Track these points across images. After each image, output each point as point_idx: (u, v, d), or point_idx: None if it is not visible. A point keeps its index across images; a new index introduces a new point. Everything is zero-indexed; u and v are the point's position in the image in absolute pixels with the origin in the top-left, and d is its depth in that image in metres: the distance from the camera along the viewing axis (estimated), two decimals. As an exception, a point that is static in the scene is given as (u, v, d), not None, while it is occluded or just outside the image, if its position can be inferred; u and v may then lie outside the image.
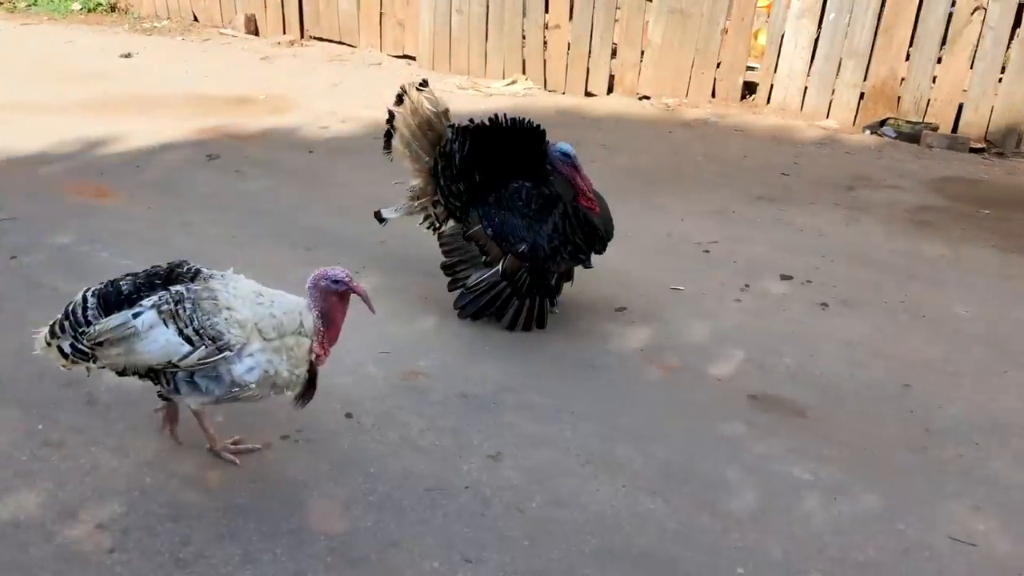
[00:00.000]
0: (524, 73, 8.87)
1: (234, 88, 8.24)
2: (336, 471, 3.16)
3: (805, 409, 3.66)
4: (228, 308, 2.85)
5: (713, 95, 8.30)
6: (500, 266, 4.04)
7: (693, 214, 5.65)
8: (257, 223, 5.24)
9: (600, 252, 4.09)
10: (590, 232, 3.97)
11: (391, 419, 3.43)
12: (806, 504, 3.11)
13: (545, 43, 8.73)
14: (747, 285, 4.68)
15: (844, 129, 7.67)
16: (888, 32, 7.58)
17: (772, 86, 8.10)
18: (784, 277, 4.77)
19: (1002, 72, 7.36)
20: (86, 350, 2.87)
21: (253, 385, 2.90)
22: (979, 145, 7.33)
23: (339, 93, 8.23)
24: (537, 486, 3.13)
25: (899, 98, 7.68)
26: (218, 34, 10.44)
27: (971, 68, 7.42)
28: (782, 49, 7.99)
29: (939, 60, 7.54)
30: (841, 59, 7.78)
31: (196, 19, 10.93)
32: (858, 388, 3.82)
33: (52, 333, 2.92)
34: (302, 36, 10.20)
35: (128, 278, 2.94)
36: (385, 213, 4.36)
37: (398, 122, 4.17)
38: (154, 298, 2.85)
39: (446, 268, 4.18)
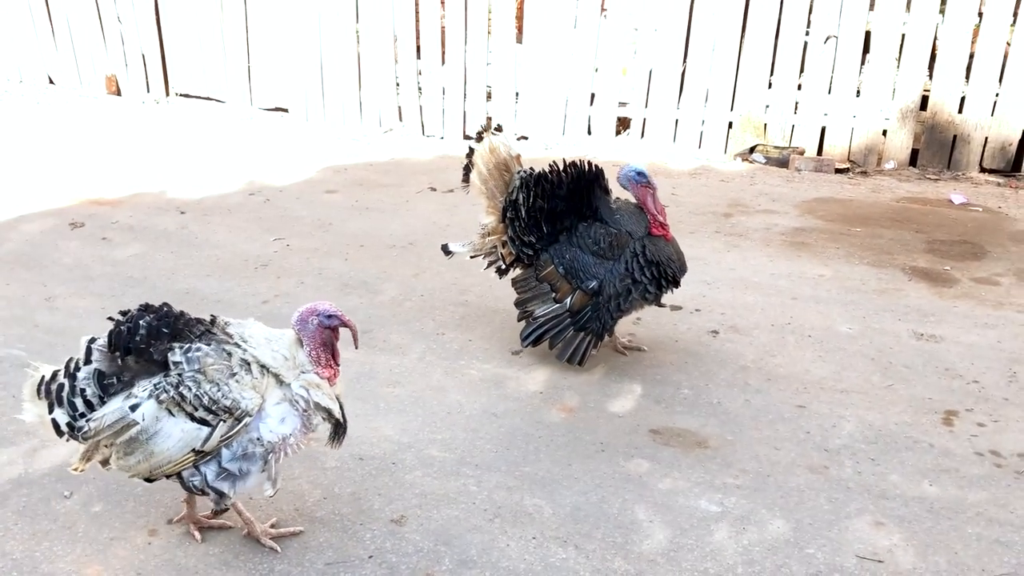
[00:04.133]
0: (401, 120, 8.82)
1: (98, 154, 7.86)
2: (228, 553, 2.96)
3: (706, 439, 3.66)
4: (242, 364, 2.70)
5: (589, 132, 8.44)
6: (568, 301, 4.11)
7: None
8: (128, 292, 4.95)
9: (675, 288, 4.16)
10: (661, 270, 4.05)
11: (285, 491, 3.24)
12: (716, 537, 3.08)
13: (420, 90, 8.71)
14: (638, 319, 4.70)
15: (716, 158, 7.91)
16: (749, 61, 7.89)
17: (644, 120, 8.29)
18: (674, 308, 4.81)
19: (858, 95, 7.76)
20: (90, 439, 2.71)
21: (291, 435, 2.76)
22: (843, 166, 7.68)
23: (209, 150, 7.97)
24: (445, 548, 3.01)
25: (765, 125, 7.99)
26: (77, 97, 9.98)
27: (829, 93, 7.80)
28: (651, 84, 8.20)
29: (799, 87, 7.89)
30: (708, 91, 8.05)
31: (51, 82, 10.43)
32: (755, 413, 3.86)
33: (47, 392, 2.71)
34: (167, 94, 9.85)
35: (143, 318, 2.72)
36: (452, 247, 4.42)
37: (476, 158, 4.24)
38: (148, 386, 2.66)
39: (519, 304, 4.27)
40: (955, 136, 7.58)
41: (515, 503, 3.24)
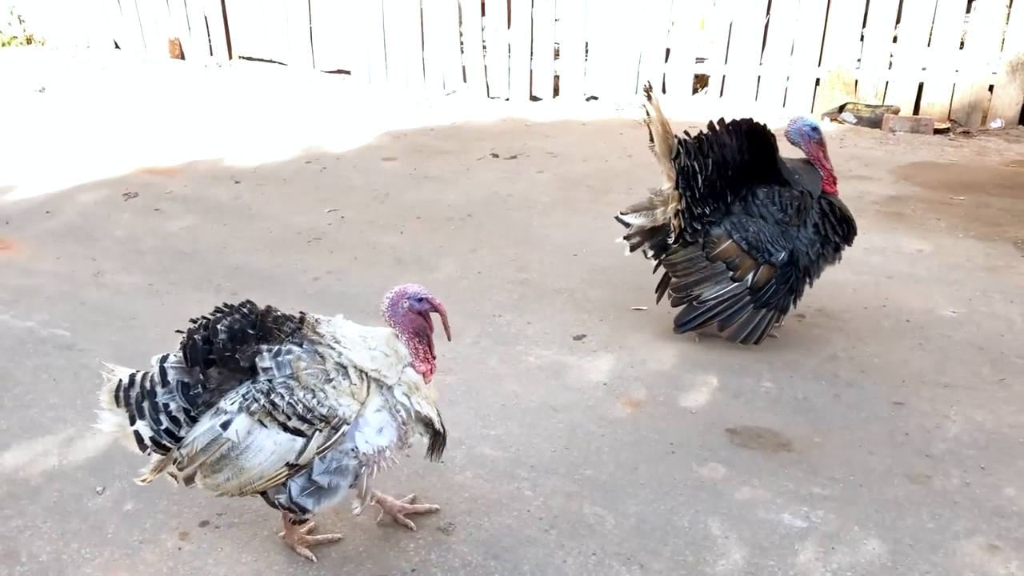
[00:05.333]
0: (465, 81, 8.46)
1: (158, 120, 7.73)
2: (260, 561, 2.72)
3: (790, 441, 3.27)
4: (337, 368, 2.45)
5: (664, 90, 7.94)
6: (750, 278, 3.77)
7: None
8: (176, 268, 4.76)
9: (851, 244, 3.86)
10: (851, 226, 3.80)
11: (322, 494, 2.98)
12: (801, 558, 2.71)
13: (485, 48, 8.32)
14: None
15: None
16: (839, 12, 7.26)
17: (724, 77, 7.75)
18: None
19: (961, 47, 7.08)
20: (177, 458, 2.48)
21: (387, 448, 2.51)
22: (943, 126, 7.05)
23: (268, 116, 7.76)
24: (495, 562, 2.71)
25: (856, 81, 7.38)
26: (141, 62, 9.89)
27: (928, 46, 7.14)
28: (731, 38, 7.65)
29: (895, 40, 7.24)
30: (793, 44, 7.46)
31: (117, 46, 10.37)
32: (846, 411, 3.44)
33: (127, 401, 2.46)
34: (230, 57, 9.68)
35: (221, 322, 2.45)
36: (629, 219, 3.91)
37: (651, 119, 3.75)
38: (237, 397, 2.42)
39: (681, 288, 3.87)
40: (1072, 90, 6.87)
41: (574, 512, 2.92)
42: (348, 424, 2.43)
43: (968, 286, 4.38)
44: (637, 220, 3.88)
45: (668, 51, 7.87)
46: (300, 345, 2.45)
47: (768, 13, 7.49)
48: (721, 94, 7.78)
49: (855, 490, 3.00)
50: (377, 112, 7.89)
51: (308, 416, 2.39)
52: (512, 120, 7.52)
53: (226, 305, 2.53)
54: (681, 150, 3.69)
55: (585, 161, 6.40)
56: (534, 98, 8.19)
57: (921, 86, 7.22)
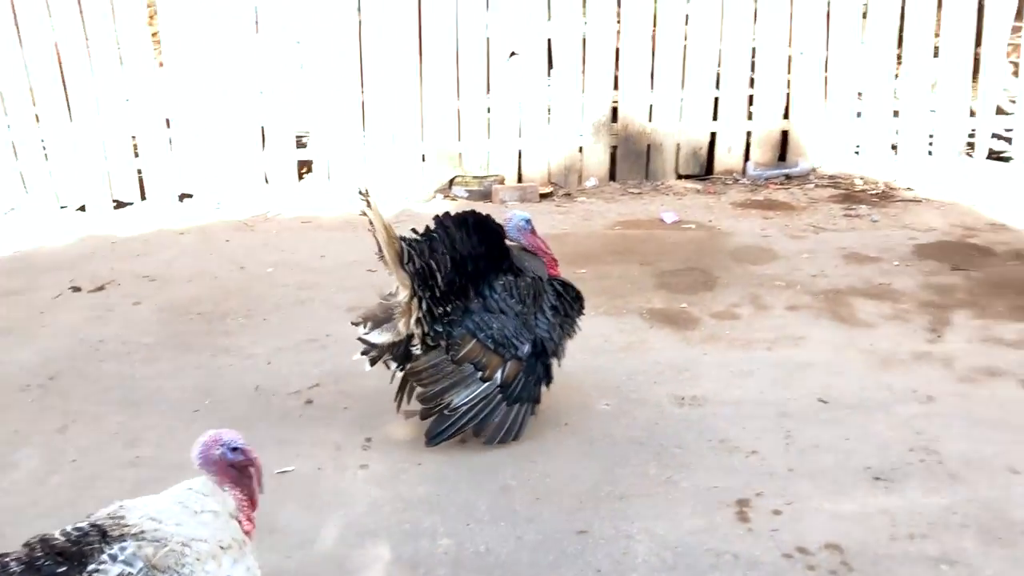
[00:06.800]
0: (26, 191, 7.11)
1: None
2: None
3: (485, 616, 2.85)
4: (186, 544, 2.14)
5: (266, 180, 7.32)
6: (499, 375, 3.67)
7: (285, 349, 4.63)
8: None
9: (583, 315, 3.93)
10: (581, 300, 3.88)
11: None
12: None
13: (44, 148, 7.07)
14: (368, 440, 3.80)
15: (416, 197, 7.15)
16: (432, 87, 7.21)
17: (329, 160, 7.34)
18: (408, 413, 3.94)
19: (549, 113, 7.37)
20: None
21: None
22: (547, 189, 7.27)
23: None
24: None
25: (460, 154, 7.38)
26: None
27: (520, 113, 7.34)
28: (329, 120, 7.26)
29: (489, 110, 7.36)
30: (394, 121, 7.28)
31: None
32: (531, 556, 3.09)
33: None
34: None
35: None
36: (372, 338, 3.62)
37: (375, 226, 3.50)
38: None
39: (429, 399, 3.66)
40: (649, 145, 7.44)
41: None
42: None
43: (614, 372, 4.33)
44: (381, 338, 3.63)
45: (264, 138, 7.26)
46: (128, 545, 2.10)
47: (363, 92, 7.22)
48: (329, 178, 7.34)
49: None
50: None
51: None
52: (94, 238, 6.39)
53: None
54: (412, 252, 3.53)
55: (190, 281, 5.56)
56: (118, 204, 7.10)
57: (520, 153, 7.40)
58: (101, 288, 5.46)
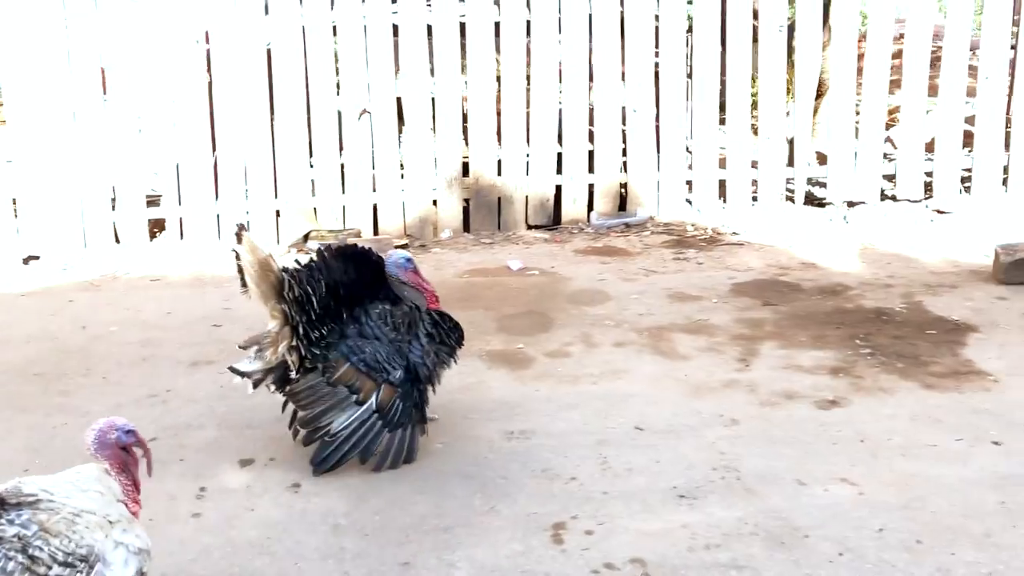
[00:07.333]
0: None
1: None
2: None
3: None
4: (78, 514, 2.44)
5: (117, 240, 7.27)
6: (373, 400, 3.88)
7: (124, 405, 4.63)
8: None
9: (462, 346, 4.19)
10: (456, 328, 4.11)
11: None
12: None
13: None
14: (202, 490, 3.86)
15: (272, 252, 7.22)
16: (283, 144, 7.38)
17: (181, 219, 7.36)
18: (244, 462, 4.04)
19: (402, 168, 7.64)
20: None
21: None
22: (403, 241, 7.49)
23: None
24: None
25: (315, 209, 7.54)
26: None
27: (373, 168, 7.57)
28: (180, 179, 7.31)
29: (342, 167, 7.56)
30: (246, 177, 7.40)
31: None
32: (358, 590, 3.24)
33: None
34: None
35: None
36: (242, 367, 3.88)
37: (244, 263, 3.86)
38: None
39: (309, 422, 3.87)
40: (500, 198, 7.79)
41: None
42: (100, 562, 2.43)
43: (451, 411, 4.52)
44: (251, 367, 3.89)
45: (114, 199, 7.23)
46: (23, 513, 2.41)
47: (215, 152, 7.32)
48: (181, 237, 7.36)
49: None
50: None
51: (70, 560, 2.38)
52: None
53: None
54: (292, 281, 3.80)
55: (28, 343, 5.48)
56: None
57: (375, 207, 7.62)
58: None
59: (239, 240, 3.87)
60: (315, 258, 3.96)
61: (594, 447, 4.16)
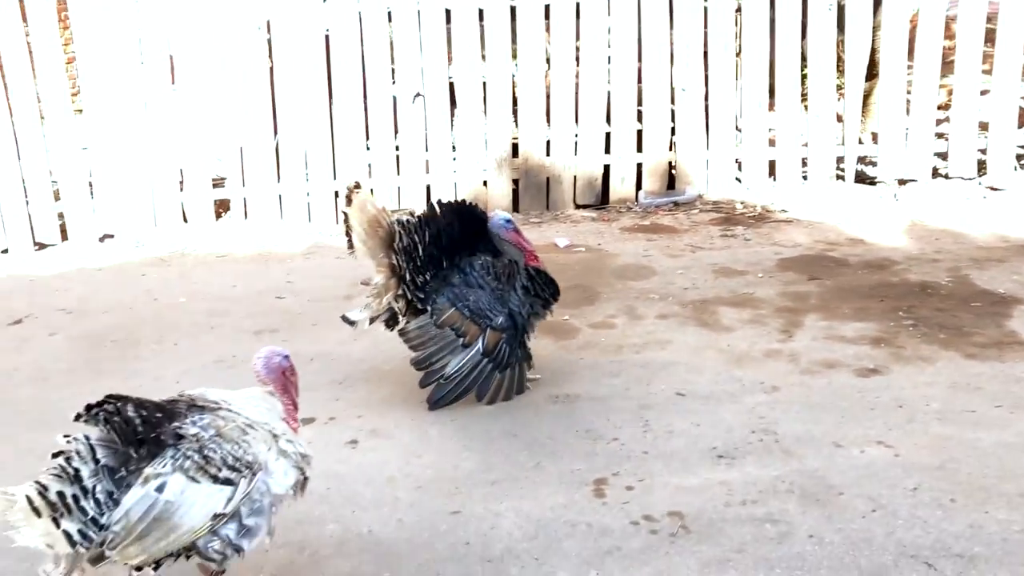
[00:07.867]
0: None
1: None
2: None
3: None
4: (250, 424, 2.78)
5: (185, 219, 7.62)
6: (480, 344, 4.27)
7: (192, 370, 4.93)
8: None
9: (557, 300, 4.55)
10: (550, 283, 4.46)
11: None
12: None
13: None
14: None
15: (329, 231, 7.51)
16: (343, 127, 7.64)
17: (245, 199, 7.68)
18: (306, 420, 4.29)
19: (454, 150, 7.84)
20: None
21: (293, 488, 2.86)
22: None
23: None
24: None
25: (372, 189, 7.76)
26: None
27: (427, 151, 7.79)
28: (244, 161, 7.63)
29: (397, 148, 7.80)
30: (306, 160, 7.67)
31: None
32: (410, 533, 3.47)
33: (48, 504, 2.44)
34: None
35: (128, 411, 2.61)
36: (352, 315, 4.34)
37: (352, 222, 4.27)
38: (167, 460, 2.60)
39: (420, 363, 4.27)
40: (548, 178, 7.94)
41: None
42: (263, 470, 2.73)
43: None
44: (360, 315, 4.32)
45: (182, 181, 7.58)
46: (206, 415, 2.75)
47: (276, 135, 7.61)
48: (246, 216, 7.68)
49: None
50: None
51: (236, 465, 2.67)
52: (12, 278, 6.61)
53: (116, 396, 2.64)
54: (402, 231, 4.19)
55: (105, 313, 5.84)
56: (40, 245, 7.33)
57: (429, 188, 7.84)
58: (18, 322, 5.71)
59: (348, 203, 4.27)
60: (427, 210, 4.36)
61: (636, 411, 4.33)
